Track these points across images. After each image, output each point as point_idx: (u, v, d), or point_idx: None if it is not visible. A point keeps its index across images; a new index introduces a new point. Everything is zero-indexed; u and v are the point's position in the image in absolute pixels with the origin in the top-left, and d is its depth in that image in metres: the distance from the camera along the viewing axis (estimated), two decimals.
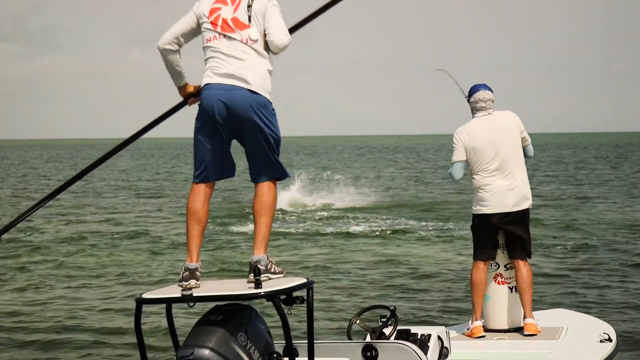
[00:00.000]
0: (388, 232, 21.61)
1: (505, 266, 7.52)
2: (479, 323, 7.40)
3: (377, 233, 21.49)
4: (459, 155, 7.38)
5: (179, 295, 4.59)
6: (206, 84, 5.03)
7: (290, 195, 31.00)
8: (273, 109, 5.05)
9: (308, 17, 5.36)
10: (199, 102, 5.08)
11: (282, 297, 4.70)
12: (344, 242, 20.08)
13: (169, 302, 4.78)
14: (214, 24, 5.03)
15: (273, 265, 4.96)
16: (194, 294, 4.57)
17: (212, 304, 4.86)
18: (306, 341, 4.90)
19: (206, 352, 4.45)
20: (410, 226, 22.93)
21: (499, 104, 7.60)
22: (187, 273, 4.90)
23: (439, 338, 6.01)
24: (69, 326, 11.60)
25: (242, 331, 4.59)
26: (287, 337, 4.71)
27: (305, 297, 4.80)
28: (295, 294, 4.77)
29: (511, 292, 7.51)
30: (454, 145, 7.40)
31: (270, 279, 4.87)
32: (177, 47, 5.13)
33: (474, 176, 7.38)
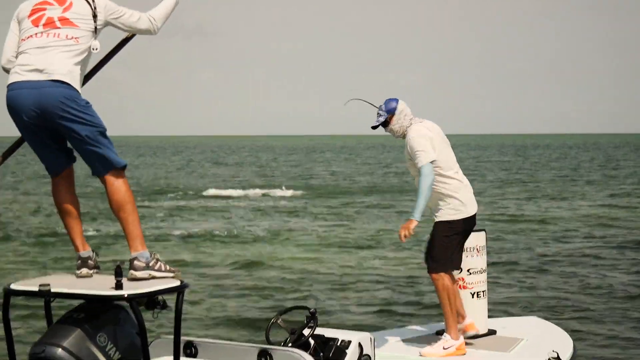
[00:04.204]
0: (323, 231, 21.25)
1: (468, 271, 7.31)
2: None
3: (311, 231, 21.13)
4: (431, 155, 6.82)
5: (37, 289, 4.43)
6: (14, 82, 4.70)
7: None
8: (87, 102, 4.74)
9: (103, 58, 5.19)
10: (6, 101, 4.77)
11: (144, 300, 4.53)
12: (274, 238, 19.69)
13: (28, 295, 4.59)
14: (34, 22, 4.77)
15: (160, 263, 4.71)
16: (52, 290, 4.41)
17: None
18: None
19: (58, 350, 4.33)
20: (353, 228, 22.57)
21: (431, 109, 7.28)
22: (79, 262, 4.88)
23: (360, 345, 5.87)
24: None
25: (103, 332, 4.44)
26: (144, 345, 4.47)
27: (176, 302, 4.55)
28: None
29: (472, 297, 7.32)
30: (421, 146, 6.81)
31: (153, 277, 4.64)
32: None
33: (444, 180, 6.87)
